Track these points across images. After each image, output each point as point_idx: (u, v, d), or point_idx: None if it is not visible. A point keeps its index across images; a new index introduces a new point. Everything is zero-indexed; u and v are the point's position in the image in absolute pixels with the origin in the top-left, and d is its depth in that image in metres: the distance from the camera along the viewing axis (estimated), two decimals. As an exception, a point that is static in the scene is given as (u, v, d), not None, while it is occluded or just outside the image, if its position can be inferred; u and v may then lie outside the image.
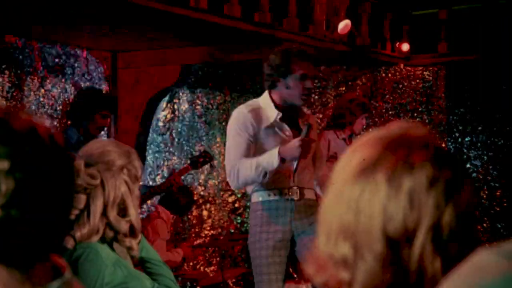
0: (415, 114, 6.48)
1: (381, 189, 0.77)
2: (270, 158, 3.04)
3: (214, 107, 6.37)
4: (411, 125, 0.85)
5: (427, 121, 6.42)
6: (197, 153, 5.25)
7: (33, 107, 4.85)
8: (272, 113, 3.17)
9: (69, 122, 4.23)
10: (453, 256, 0.76)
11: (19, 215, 0.85)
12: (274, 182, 3.14)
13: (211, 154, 4.51)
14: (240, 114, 3.21)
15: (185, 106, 6.17)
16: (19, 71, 4.77)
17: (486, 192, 6.10)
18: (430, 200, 0.77)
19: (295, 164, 3.09)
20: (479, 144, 6.24)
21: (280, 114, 3.18)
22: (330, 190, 0.84)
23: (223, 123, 6.41)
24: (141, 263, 2.07)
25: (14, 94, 4.75)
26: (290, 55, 3.13)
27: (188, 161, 4.59)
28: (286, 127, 3.20)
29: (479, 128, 6.24)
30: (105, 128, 4.01)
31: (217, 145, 6.36)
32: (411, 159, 0.79)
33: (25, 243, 0.87)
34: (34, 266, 0.90)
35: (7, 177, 0.83)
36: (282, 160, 3.05)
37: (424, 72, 6.46)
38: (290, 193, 3.17)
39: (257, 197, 3.21)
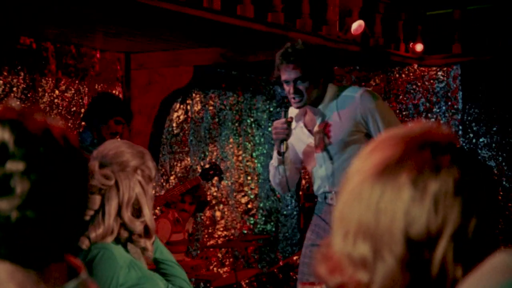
0: (429, 115, 6.45)
1: (405, 191, 0.76)
2: (275, 153, 3.03)
3: (227, 108, 6.38)
4: (434, 125, 0.83)
5: (441, 121, 6.38)
6: (208, 166, 5.35)
7: (47, 108, 4.88)
8: (295, 112, 3.09)
9: (83, 124, 4.27)
10: (475, 260, 0.75)
11: (35, 216, 0.85)
12: (318, 185, 3.07)
13: (220, 168, 4.65)
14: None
15: (198, 107, 6.18)
16: (33, 73, 4.80)
17: (501, 193, 6.06)
18: (455, 205, 0.76)
19: (330, 166, 2.97)
20: (493, 144, 6.20)
21: (300, 114, 3.05)
22: (346, 189, 0.82)
23: (236, 124, 6.42)
24: (155, 264, 2.07)
25: (29, 95, 4.78)
26: (276, 60, 2.99)
27: (198, 174, 4.70)
28: (305, 130, 3.06)
29: (494, 128, 6.20)
30: (118, 134, 4.05)
31: (230, 146, 6.36)
32: (437, 162, 0.77)
33: (40, 244, 0.87)
34: (49, 266, 0.91)
35: (22, 178, 0.84)
36: (278, 152, 2.98)
37: (438, 73, 6.43)
38: (330, 198, 3.04)
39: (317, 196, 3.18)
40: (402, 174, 0.77)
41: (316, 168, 3.03)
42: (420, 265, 0.75)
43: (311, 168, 3.09)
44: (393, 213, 0.76)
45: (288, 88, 2.93)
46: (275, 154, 3.02)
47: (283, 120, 2.94)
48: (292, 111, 3.09)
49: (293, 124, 3.02)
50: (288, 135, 2.93)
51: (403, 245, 0.75)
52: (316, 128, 2.99)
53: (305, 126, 3.04)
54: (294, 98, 2.93)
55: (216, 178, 4.96)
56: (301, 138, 3.05)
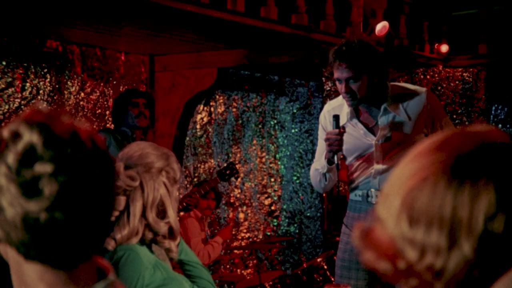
0: (454, 116, 6.38)
1: (485, 192, 0.78)
2: (323, 159, 2.97)
3: (251, 109, 6.38)
4: (495, 128, 0.85)
5: (466, 123, 6.31)
6: (224, 165, 5.31)
7: (73, 111, 4.93)
8: (346, 110, 3.00)
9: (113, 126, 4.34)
10: None
11: (63, 217, 0.86)
12: (360, 182, 3.01)
13: (236, 167, 4.56)
14: (321, 115, 3.13)
15: (221, 109, 6.20)
16: (59, 75, 4.86)
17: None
18: None
19: (384, 164, 2.91)
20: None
21: (353, 112, 2.97)
22: (412, 176, 0.83)
23: (260, 126, 6.42)
24: (180, 266, 2.08)
25: (55, 97, 4.83)
26: (329, 56, 2.92)
27: (215, 174, 4.64)
28: (360, 124, 2.97)
29: (521, 130, 6.11)
30: (143, 116, 4.13)
31: (253, 147, 6.36)
32: None
33: (68, 244, 0.88)
34: (78, 267, 0.92)
35: (51, 180, 0.85)
36: (329, 161, 2.92)
37: (464, 74, 6.36)
38: (370, 195, 2.99)
39: (350, 195, 3.11)
40: (481, 175, 0.79)
41: (364, 164, 2.98)
42: (496, 257, 0.78)
43: (355, 165, 3.02)
44: (472, 210, 0.78)
45: (341, 87, 2.88)
46: (323, 161, 2.95)
47: (336, 131, 2.88)
48: (334, 110, 3.03)
49: (343, 121, 2.97)
50: (341, 146, 2.88)
51: (481, 236, 0.78)
52: (381, 125, 2.93)
53: (362, 122, 2.97)
54: (347, 97, 2.89)
55: (234, 178, 4.89)
56: (353, 135, 2.98)
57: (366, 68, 2.83)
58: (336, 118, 2.91)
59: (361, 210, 3.02)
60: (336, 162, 2.89)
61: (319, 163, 3.03)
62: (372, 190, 2.98)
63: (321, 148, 3.03)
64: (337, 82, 2.91)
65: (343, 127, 2.93)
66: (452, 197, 0.79)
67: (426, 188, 0.81)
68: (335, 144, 2.86)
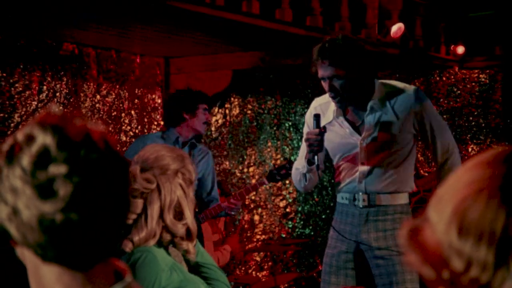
0: (471, 118, 6.34)
1: None
2: (303, 159, 2.84)
3: (265, 112, 6.38)
4: None
5: (483, 125, 6.26)
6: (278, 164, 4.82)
7: (89, 113, 4.96)
8: (333, 108, 2.86)
9: (163, 126, 4.17)
10: None
11: (78, 218, 0.86)
12: (346, 184, 2.88)
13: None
14: (307, 112, 3.00)
15: (236, 111, 6.20)
16: (76, 78, 4.89)
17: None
18: None
19: (370, 165, 2.78)
20: (538, 148, 6.05)
21: (340, 109, 2.83)
22: (469, 184, 0.81)
23: (274, 128, 6.42)
24: (196, 268, 2.08)
25: (71, 100, 4.87)
26: (313, 54, 2.77)
27: (266, 176, 4.24)
28: (346, 123, 2.83)
29: (538, 132, 6.06)
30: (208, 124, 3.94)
31: (268, 149, 6.36)
32: None
33: (85, 245, 0.89)
34: (95, 269, 0.92)
35: (65, 181, 0.85)
36: (309, 162, 2.78)
37: (480, 75, 6.31)
38: (357, 199, 2.85)
39: (337, 197, 2.99)
40: None
41: (349, 165, 2.85)
42: None
43: (341, 165, 2.90)
44: None
45: (325, 85, 2.75)
46: (303, 162, 2.83)
47: (316, 131, 2.75)
48: (321, 107, 2.91)
49: (327, 120, 2.85)
50: (322, 146, 2.75)
51: None
52: (367, 124, 2.79)
53: (348, 121, 2.84)
54: (331, 95, 2.75)
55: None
56: (339, 133, 2.86)
57: (350, 65, 2.68)
58: (317, 117, 2.78)
59: (348, 213, 2.90)
60: (316, 163, 2.76)
61: (300, 162, 2.91)
62: (360, 193, 2.84)
63: (304, 147, 2.86)
64: (322, 82, 2.77)
65: (324, 127, 2.80)
66: (505, 214, 0.77)
67: (480, 200, 0.78)
68: (315, 145, 2.72)
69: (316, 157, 2.76)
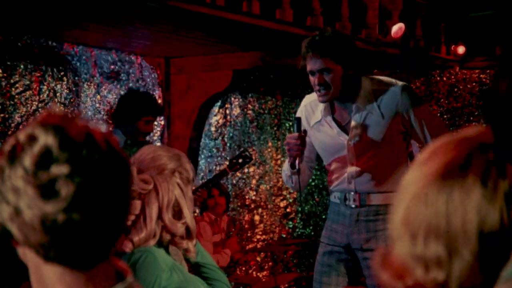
0: (471, 118, 6.34)
1: (474, 191, 0.78)
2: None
3: (266, 112, 6.38)
4: (488, 129, 0.86)
5: (484, 125, 6.27)
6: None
7: (90, 113, 4.96)
8: (321, 107, 2.82)
9: (113, 124, 4.26)
10: None
11: (80, 218, 0.86)
12: (338, 184, 2.85)
13: (250, 155, 4.19)
14: (299, 110, 2.95)
15: (237, 111, 6.20)
16: (76, 78, 4.89)
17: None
18: None
19: (359, 164, 2.74)
20: (539, 148, 6.05)
21: (328, 109, 2.78)
22: (407, 194, 0.83)
23: (275, 128, 6.42)
24: (196, 268, 2.08)
25: (72, 100, 4.87)
26: (302, 48, 2.70)
27: (227, 163, 4.32)
28: (333, 123, 2.78)
29: (539, 132, 6.06)
30: (151, 134, 4.02)
31: (269, 149, 6.36)
32: (503, 161, 0.80)
33: (87, 244, 0.89)
34: (96, 269, 0.92)
35: (67, 182, 0.85)
36: (292, 165, 2.72)
37: (481, 75, 6.31)
38: (348, 199, 2.82)
39: (330, 197, 2.96)
40: (469, 176, 0.79)
41: (339, 165, 2.81)
42: (496, 256, 0.78)
43: (332, 165, 2.86)
44: (465, 213, 0.78)
45: (313, 80, 2.69)
46: (288, 165, 2.78)
47: (296, 135, 2.69)
48: (311, 105, 2.86)
49: (316, 119, 2.81)
50: (302, 151, 2.70)
51: (478, 240, 0.78)
52: (353, 123, 2.74)
53: (336, 121, 2.80)
54: (319, 90, 2.68)
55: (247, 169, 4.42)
56: (328, 133, 2.82)
57: (340, 58, 2.63)
58: (298, 121, 2.74)
59: (340, 213, 2.87)
60: (297, 167, 2.71)
61: (286, 164, 2.85)
62: (351, 193, 2.81)
63: None
64: (310, 76, 2.72)
65: (305, 131, 2.76)
66: (443, 204, 0.79)
67: (419, 201, 0.81)
68: (295, 149, 2.67)
69: (296, 161, 2.71)
